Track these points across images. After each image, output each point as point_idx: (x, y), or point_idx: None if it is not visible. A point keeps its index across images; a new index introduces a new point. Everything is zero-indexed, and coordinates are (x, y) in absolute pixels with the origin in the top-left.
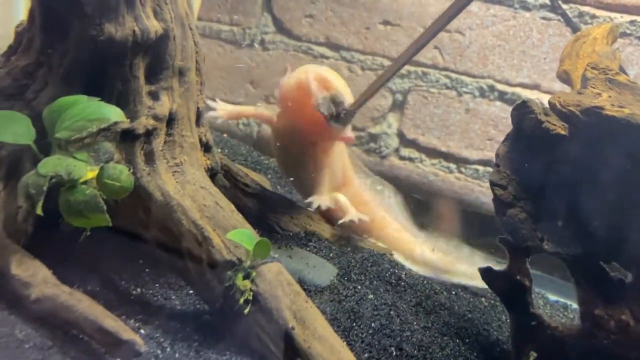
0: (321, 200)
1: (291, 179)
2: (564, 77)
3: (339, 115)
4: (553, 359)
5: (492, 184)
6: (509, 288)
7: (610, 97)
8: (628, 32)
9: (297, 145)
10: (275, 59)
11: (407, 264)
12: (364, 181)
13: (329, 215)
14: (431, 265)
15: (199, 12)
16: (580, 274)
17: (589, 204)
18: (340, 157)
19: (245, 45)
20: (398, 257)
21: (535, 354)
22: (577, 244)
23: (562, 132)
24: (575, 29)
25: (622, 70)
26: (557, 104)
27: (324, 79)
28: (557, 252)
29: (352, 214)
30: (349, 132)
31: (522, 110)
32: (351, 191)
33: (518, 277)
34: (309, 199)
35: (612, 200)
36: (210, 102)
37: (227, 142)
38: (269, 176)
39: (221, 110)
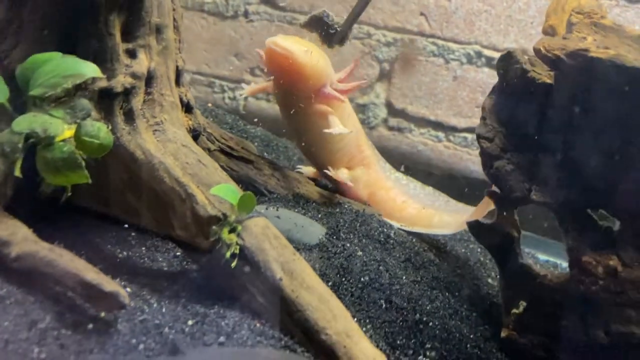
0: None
1: (302, 145)
2: (550, 33)
3: (332, 33)
4: (542, 308)
5: (479, 137)
6: (497, 240)
7: (595, 40)
8: None
9: (293, 106)
10: (260, 30)
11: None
12: (387, 173)
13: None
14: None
15: None
16: (568, 222)
17: (576, 152)
18: (349, 125)
19: (229, 17)
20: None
21: (524, 304)
22: (565, 192)
23: (548, 81)
24: None
25: None
26: (542, 49)
27: (292, 37)
28: (545, 202)
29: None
30: (340, 85)
31: (507, 61)
32: (371, 174)
33: (506, 229)
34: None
35: (600, 146)
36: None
37: (212, 112)
38: (256, 144)
39: (247, 88)
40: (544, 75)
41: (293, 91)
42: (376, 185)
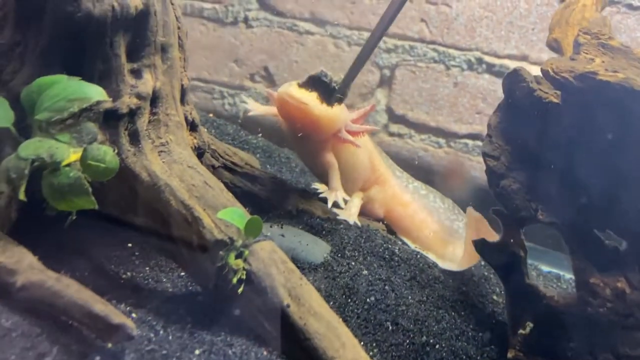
0: (335, 196)
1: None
2: (554, 46)
3: (331, 91)
4: (549, 329)
5: (485, 155)
6: (503, 259)
7: (603, 62)
8: (616, 0)
9: (305, 148)
10: (260, 37)
11: (440, 263)
12: (404, 184)
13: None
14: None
15: None
16: (574, 242)
17: (582, 171)
18: (360, 154)
19: (229, 23)
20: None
21: (531, 324)
22: (571, 212)
23: (555, 100)
24: None
25: None
26: (550, 71)
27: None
28: (552, 222)
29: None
30: (354, 127)
31: (513, 79)
32: (387, 191)
33: (513, 249)
34: (323, 195)
35: (606, 167)
36: (245, 98)
37: (213, 122)
38: (258, 155)
39: (254, 106)
40: (550, 94)
41: (306, 137)
42: (393, 201)
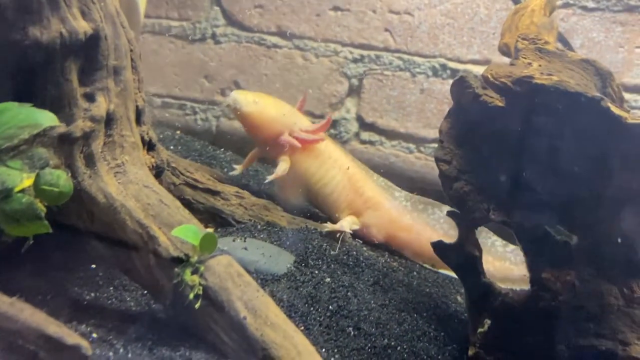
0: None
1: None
2: (505, 50)
3: None
4: (507, 325)
5: (437, 160)
6: (460, 259)
7: (540, 65)
8: (571, 2)
9: (267, 155)
10: (228, 52)
11: None
12: (401, 204)
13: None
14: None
15: (146, 10)
16: (526, 239)
17: (529, 171)
18: (336, 174)
19: (197, 40)
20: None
21: (489, 321)
22: (521, 211)
23: (500, 104)
24: (517, 2)
25: (563, 39)
26: (490, 77)
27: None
28: (503, 221)
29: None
30: (301, 135)
31: (460, 86)
32: (384, 216)
33: (468, 249)
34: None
35: (551, 166)
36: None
37: (180, 139)
38: (226, 169)
39: (239, 168)
40: (495, 99)
41: (255, 140)
42: (392, 226)
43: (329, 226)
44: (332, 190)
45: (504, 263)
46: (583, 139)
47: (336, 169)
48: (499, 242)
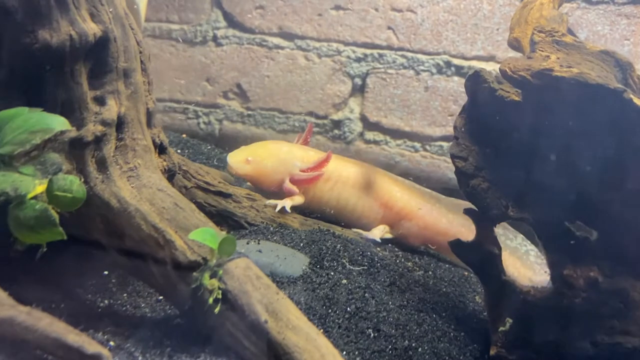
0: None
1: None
2: (515, 45)
3: None
4: (528, 323)
5: (453, 157)
6: (478, 258)
7: (558, 58)
8: None
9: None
10: (230, 54)
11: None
12: (435, 208)
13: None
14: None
15: (147, 14)
16: (546, 236)
17: (548, 166)
18: (351, 197)
19: (198, 43)
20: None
21: (510, 320)
22: (540, 207)
23: (516, 99)
24: None
25: (571, 33)
26: (508, 70)
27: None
28: (522, 217)
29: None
30: (302, 175)
31: (475, 81)
32: (418, 223)
33: (487, 247)
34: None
35: (571, 160)
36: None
37: (186, 143)
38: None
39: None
40: (512, 93)
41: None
42: (427, 232)
43: (362, 233)
44: (360, 215)
45: (528, 272)
46: (604, 132)
47: (355, 191)
48: (534, 252)
